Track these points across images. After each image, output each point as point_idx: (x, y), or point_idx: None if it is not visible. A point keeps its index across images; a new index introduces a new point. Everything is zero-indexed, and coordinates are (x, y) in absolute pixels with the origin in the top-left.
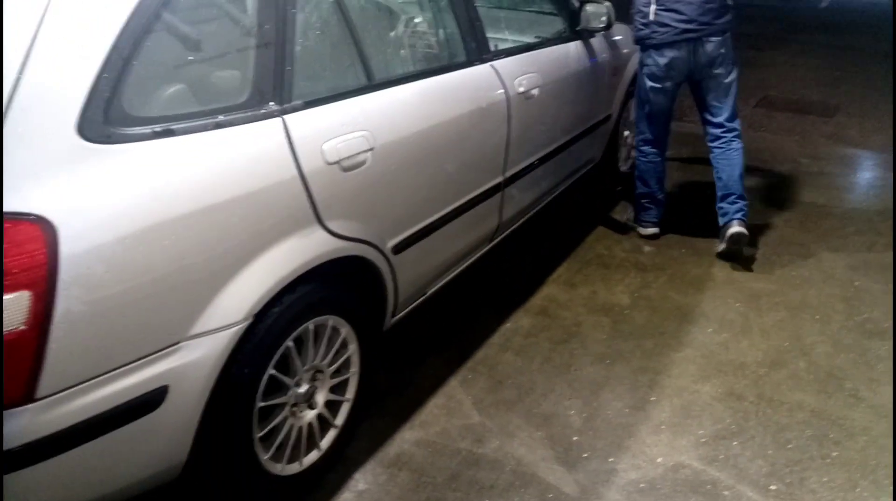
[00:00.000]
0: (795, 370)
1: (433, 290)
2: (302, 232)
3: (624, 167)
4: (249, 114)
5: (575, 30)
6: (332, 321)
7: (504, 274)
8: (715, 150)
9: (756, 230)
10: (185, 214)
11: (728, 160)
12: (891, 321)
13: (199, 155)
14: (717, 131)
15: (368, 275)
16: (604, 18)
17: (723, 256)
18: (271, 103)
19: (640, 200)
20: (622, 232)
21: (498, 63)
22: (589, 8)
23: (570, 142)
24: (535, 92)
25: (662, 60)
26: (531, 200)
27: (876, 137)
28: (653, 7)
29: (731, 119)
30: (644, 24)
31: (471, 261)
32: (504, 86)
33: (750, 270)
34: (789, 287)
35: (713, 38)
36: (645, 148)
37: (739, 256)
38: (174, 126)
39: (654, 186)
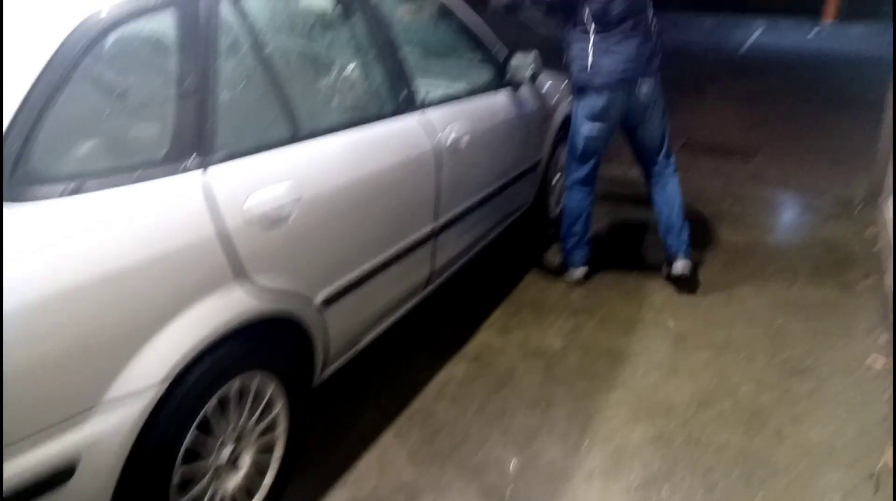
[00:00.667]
0: (722, 410)
1: (366, 341)
2: (223, 290)
3: (554, 212)
4: (168, 168)
5: (503, 79)
6: (258, 378)
7: (439, 321)
8: (655, 187)
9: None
10: (96, 276)
11: (667, 195)
12: (811, 359)
13: (112, 214)
14: (655, 169)
15: (296, 330)
16: (531, 68)
17: (671, 278)
18: (192, 157)
19: (570, 239)
20: (555, 275)
21: (427, 113)
22: (516, 58)
23: (501, 188)
24: (464, 141)
25: (601, 102)
26: (464, 246)
27: (795, 177)
28: (590, 52)
29: (666, 155)
30: (581, 68)
31: (405, 310)
32: (433, 136)
33: (677, 310)
34: (714, 327)
35: (647, 80)
36: (574, 188)
37: (686, 281)
38: (87, 183)
39: (580, 228)
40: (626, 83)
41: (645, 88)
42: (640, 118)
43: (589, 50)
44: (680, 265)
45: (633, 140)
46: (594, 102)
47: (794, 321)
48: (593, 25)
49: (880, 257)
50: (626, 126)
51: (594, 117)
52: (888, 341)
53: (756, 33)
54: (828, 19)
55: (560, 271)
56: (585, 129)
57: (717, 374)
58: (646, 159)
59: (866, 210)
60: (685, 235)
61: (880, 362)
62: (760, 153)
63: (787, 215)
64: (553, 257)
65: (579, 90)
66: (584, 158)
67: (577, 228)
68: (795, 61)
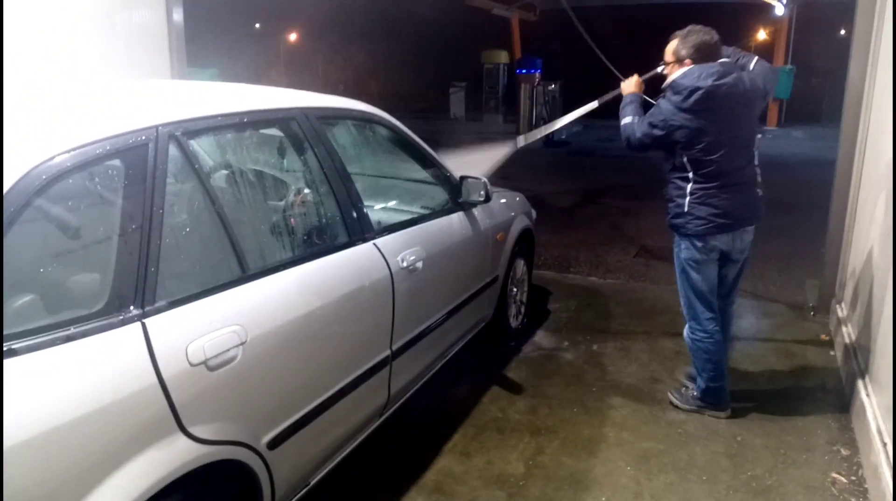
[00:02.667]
0: None
1: (318, 477)
2: (161, 442)
3: (515, 323)
4: (105, 322)
5: (457, 201)
6: None
7: (397, 446)
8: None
9: (642, 385)
10: (23, 441)
11: (725, 336)
12: (774, 477)
13: (43, 375)
14: (724, 306)
15: (240, 476)
16: (482, 192)
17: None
18: (131, 308)
19: (713, 382)
20: (516, 392)
21: (380, 241)
22: (468, 182)
23: (459, 307)
24: (419, 265)
25: (700, 245)
26: (422, 367)
27: (746, 283)
28: (688, 199)
29: (733, 303)
30: (678, 214)
31: (360, 439)
32: (387, 262)
33: (638, 428)
34: (676, 446)
35: (749, 229)
36: (710, 327)
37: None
38: (16, 345)
39: (724, 366)
40: (725, 232)
41: (746, 236)
42: (730, 261)
43: (686, 196)
44: (726, 414)
45: (718, 275)
46: (693, 248)
47: (755, 436)
48: (691, 173)
49: (837, 363)
50: (722, 263)
51: (698, 262)
52: (849, 455)
53: None
54: (771, 125)
55: (521, 388)
56: (694, 273)
57: (681, 499)
58: (717, 295)
59: (819, 315)
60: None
61: (841, 480)
62: None
63: (743, 322)
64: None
65: (675, 231)
66: (704, 296)
67: (723, 367)
68: None
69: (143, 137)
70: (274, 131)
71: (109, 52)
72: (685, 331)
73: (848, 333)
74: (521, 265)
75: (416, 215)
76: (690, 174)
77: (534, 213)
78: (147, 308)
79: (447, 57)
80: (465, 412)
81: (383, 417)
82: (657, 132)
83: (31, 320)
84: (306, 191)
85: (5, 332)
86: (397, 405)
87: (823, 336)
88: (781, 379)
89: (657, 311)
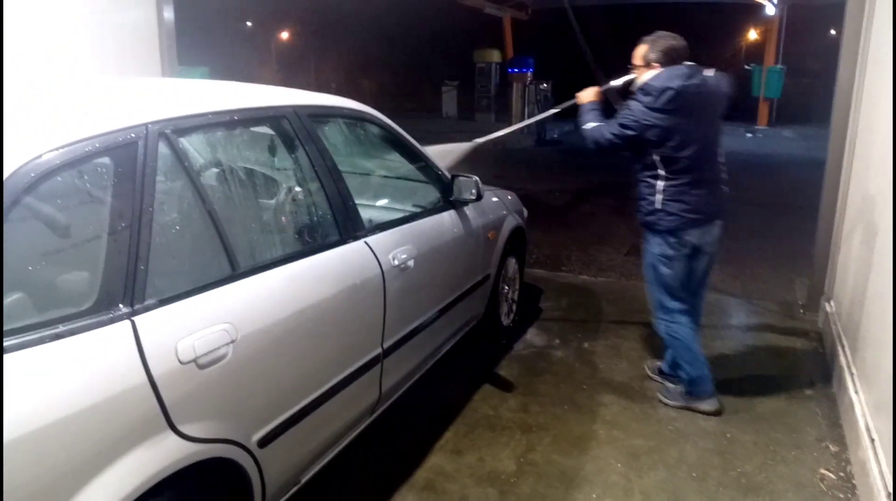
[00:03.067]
0: None
1: (309, 476)
2: (151, 441)
3: (506, 321)
4: (94, 320)
5: (449, 200)
6: None
7: (388, 444)
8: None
9: (632, 382)
10: (11, 440)
11: (696, 326)
12: (764, 474)
13: (32, 373)
14: (692, 300)
15: (231, 474)
16: (473, 191)
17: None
18: (120, 306)
19: (695, 372)
20: (507, 389)
21: (372, 239)
22: (460, 180)
23: (451, 305)
24: (410, 263)
25: (673, 240)
26: (414, 365)
27: (736, 282)
28: (659, 197)
29: (702, 296)
30: (650, 212)
31: (352, 437)
32: (378, 261)
33: (629, 426)
34: (666, 443)
35: (717, 223)
36: (679, 317)
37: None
38: (5, 343)
39: (700, 353)
40: (695, 227)
41: (715, 230)
42: (699, 255)
43: (657, 194)
44: (714, 405)
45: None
46: (665, 243)
47: (745, 433)
48: (661, 170)
49: (826, 361)
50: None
51: (669, 257)
52: (838, 452)
53: None
54: (761, 124)
55: (512, 386)
56: (664, 268)
57: (671, 496)
58: (688, 289)
59: (808, 314)
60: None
61: (830, 477)
62: None
63: (733, 321)
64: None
65: (646, 229)
66: (672, 291)
67: (700, 356)
68: (734, 163)
69: (133, 135)
70: (265, 129)
71: (99, 50)
72: (660, 326)
73: (837, 330)
74: (512, 264)
75: (407, 214)
76: (661, 172)
77: (525, 211)
78: (136, 306)
79: (439, 56)
80: (456, 410)
81: (374, 415)
82: (629, 132)
83: (19, 318)
84: (297, 189)
85: None
86: (388, 402)
87: (812, 334)
88: (771, 376)
89: (648, 309)
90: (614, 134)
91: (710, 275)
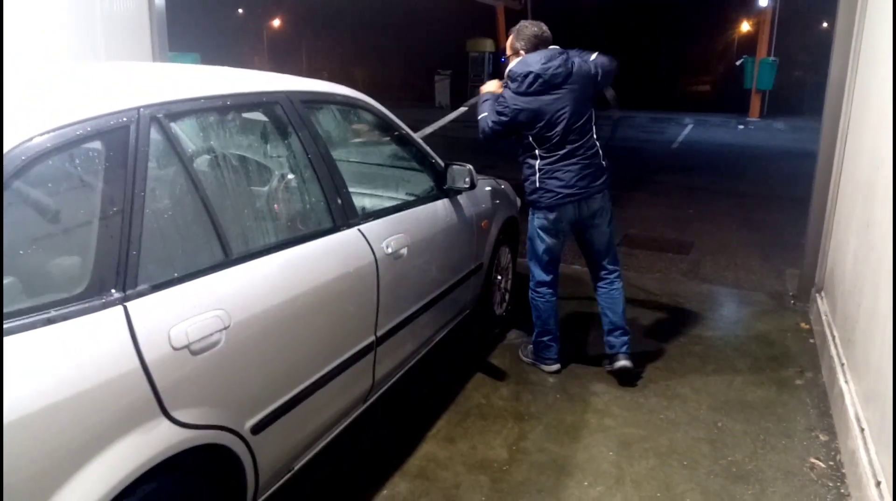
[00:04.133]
0: None
1: (301, 463)
2: (144, 427)
3: (499, 311)
4: (87, 305)
5: (442, 188)
6: None
7: (381, 432)
8: (600, 289)
9: (630, 374)
10: (4, 424)
11: (611, 298)
12: (754, 463)
13: (24, 358)
14: (601, 273)
15: (224, 461)
16: (467, 179)
17: (612, 373)
18: (113, 291)
19: (541, 338)
20: (500, 378)
21: (365, 227)
22: (454, 169)
23: (444, 294)
24: (403, 252)
25: (551, 216)
26: (407, 354)
27: (727, 272)
28: (537, 175)
29: (612, 262)
30: (532, 190)
31: (344, 425)
32: (371, 249)
33: (620, 414)
34: (657, 432)
35: (595, 197)
36: (541, 289)
37: (628, 374)
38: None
39: (552, 325)
40: (572, 202)
41: (592, 203)
42: (588, 227)
43: (536, 173)
44: (620, 364)
45: (582, 245)
46: (544, 218)
47: (736, 422)
48: (538, 150)
49: (816, 351)
50: (575, 231)
51: (546, 231)
52: (828, 441)
53: (687, 129)
54: (753, 116)
55: (505, 374)
56: (539, 241)
57: (661, 484)
58: (592, 262)
59: (799, 304)
60: (626, 336)
61: (819, 465)
62: (694, 249)
63: (724, 311)
64: (500, 358)
65: (531, 207)
66: (543, 264)
67: (548, 326)
68: (726, 155)
69: (125, 119)
70: (257, 115)
71: (88, 36)
72: (530, 294)
73: (827, 321)
74: (505, 253)
75: (400, 202)
76: (537, 152)
77: (518, 201)
78: (129, 292)
79: (432, 45)
80: (449, 399)
81: (367, 403)
82: (504, 118)
83: (10, 302)
84: (290, 176)
85: None
86: (381, 390)
87: (803, 324)
88: (761, 366)
89: (639, 299)
90: (494, 121)
91: (613, 250)
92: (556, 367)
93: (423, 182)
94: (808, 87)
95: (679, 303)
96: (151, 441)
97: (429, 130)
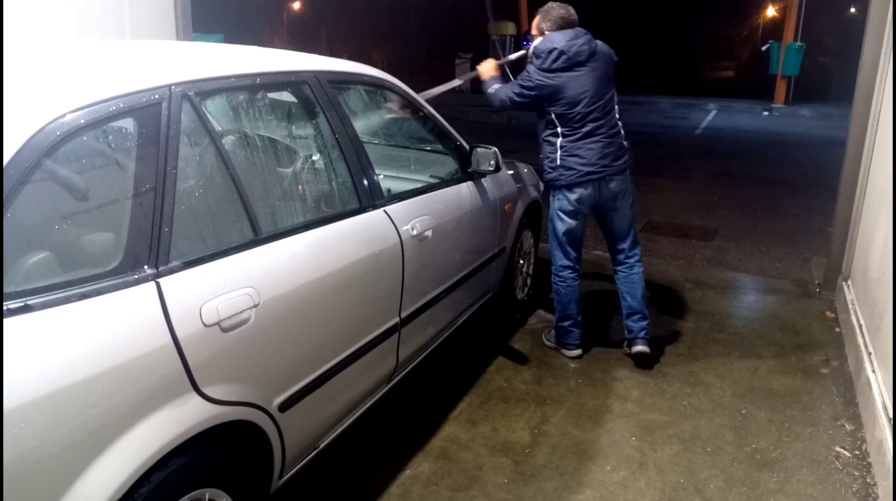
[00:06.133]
0: None
1: (326, 442)
2: (175, 402)
3: (521, 295)
4: (120, 281)
5: (467, 171)
6: (208, 494)
7: (404, 413)
8: (619, 273)
9: (647, 358)
10: (39, 397)
11: (631, 282)
12: (778, 451)
13: (59, 331)
14: (621, 257)
15: (252, 437)
16: (492, 162)
17: (630, 356)
18: (145, 267)
19: (562, 323)
20: (521, 362)
21: (391, 208)
22: (479, 151)
23: (467, 277)
24: (428, 234)
25: (572, 197)
26: (430, 336)
27: (752, 260)
28: (558, 153)
29: (632, 246)
30: (552, 168)
31: (368, 405)
32: (397, 230)
33: (643, 400)
34: (681, 418)
35: (616, 177)
36: (564, 273)
37: (646, 359)
38: (32, 301)
39: (573, 310)
40: (593, 182)
41: (613, 185)
42: (609, 210)
43: (557, 151)
44: (638, 349)
45: (603, 227)
46: (564, 199)
47: (760, 410)
48: (559, 128)
49: (842, 340)
50: (596, 214)
51: (566, 212)
52: (853, 430)
53: (711, 115)
54: (778, 103)
55: (526, 358)
56: (560, 222)
57: (685, 469)
58: (613, 246)
59: (825, 293)
60: (645, 321)
61: (845, 454)
62: (718, 235)
63: (748, 299)
64: (521, 342)
65: (550, 186)
66: (564, 246)
67: (569, 311)
68: (750, 142)
69: (157, 96)
70: (285, 94)
71: (114, 17)
72: (553, 278)
73: (854, 310)
74: (528, 237)
75: (425, 184)
76: (559, 129)
77: (542, 185)
78: (161, 268)
79: (453, 28)
80: (470, 381)
81: (391, 383)
82: (528, 92)
83: (46, 277)
84: (317, 156)
85: (20, 288)
86: (405, 372)
87: (829, 313)
88: (786, 355)
89: (662, 285)
90: (515, 93)
91: (633, 234)
92: (577, 352)
93: (448, 164)
94: (835, 73)
95: (703, 290)
96: (183, 416)
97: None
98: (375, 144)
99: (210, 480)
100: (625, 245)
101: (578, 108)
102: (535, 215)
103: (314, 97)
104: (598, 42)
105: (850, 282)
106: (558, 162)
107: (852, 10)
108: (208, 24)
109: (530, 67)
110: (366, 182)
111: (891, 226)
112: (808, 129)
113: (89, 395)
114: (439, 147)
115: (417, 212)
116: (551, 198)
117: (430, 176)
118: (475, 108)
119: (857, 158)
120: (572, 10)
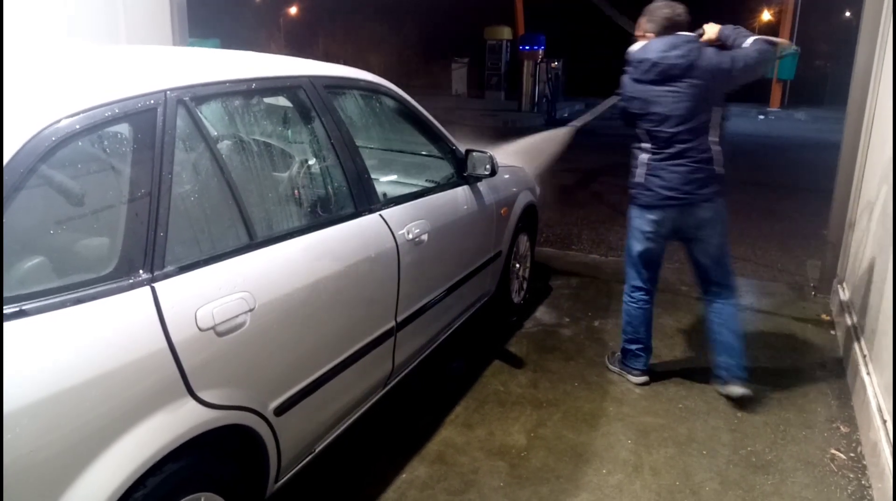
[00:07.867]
0: None
1: (322, 446)
2: (170, 406)
3: (517, 299)
4: (115, 285)
5: (462, 175)
6: (203, 498)
7: (400, 417)
8: (710, 305)
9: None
10: (34, 402)
11: (724, 318)
12: (774, 453)
13: (54, 336)
14: (710, 288)
15: (247, 441)
16: (488, 166)
17: (727, 397)
18: (141, 272)
19: (630, 345)
20: (517, 366)
21: (386, 212)
22: (474, 156)
23: (463, 280)
24: (424, 238)
25: (650, 217)
26: (426, 340)
27: (747, 263)
28: (644, 169)
29: (723, 278)
30: (635, 184)
31: (364, 408)
32: (393, 234)
33: (639, 403)
34: (677, 421)
35: (701, 205)
36: (635, 294)
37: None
38: (28, 306)
39: (643, 333)
40: (672, 207)
41: (699, 212)
42: (693, 238)
43: (643, 167)
44: (738, 389)
45: (688, 252)
46: (642, 218)
47: (755, 413)
48: (649, 144)
49: (837, 342)
50: (679, 240)
51: (642, 232)
52: (848, 432)
53: None
54: (774, 106)
55: (524, 363)
56: (636, 242)
57: (680, 472)
58: (699, 275)
59: (820, 295)
60: (742, 359)
61: (840, 457)
62: None
63: (744, 301)
64: (522, 349)
65: (631, 201)
66: (638, 266)
67: (639, 334)
68: (746, 145)
69: (152, 101)
70: (281, 99)
71: (110, 22)
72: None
73: (849, 312)
74: (524, 241)
75: (421, 188)
76: (648, 145)
77: (538, 189)
78: (156, 272)
79: (449, 33)
80: (467, 385)
81: (387, 387)
82: (621, 104)
83: (41, 281)
84: (313, 160)
85: (16, 293)
86: (401, 376)
87: (824, 316)
88: (782, 357)
89: (658, 289)
90: (619, 105)
91: (726, 261)
92: (644, 379)
93: (444, 169)
94: (830, 77)
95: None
96: (178, 421)
97: (579, 123)
98: (371, 148)
99: (205, 484)
100: (713, 277)
101: (665, 126)
102: (532, 219)
103: (310, 102)
104: (709, 51)
105: (844, 284)
106: (639, 180)
107: (847, 13)
108: (205, 29)
109: (624, 76)
110: (361, 186)
111: (885, 228)
112: (804, 132)
113: (84, 399)
114: (435, 151)
115: (413, 216)
116: (630, 214)
117: (426, 180)
118: (470, 112)
119: (851, 160)
120: (680, 10)
